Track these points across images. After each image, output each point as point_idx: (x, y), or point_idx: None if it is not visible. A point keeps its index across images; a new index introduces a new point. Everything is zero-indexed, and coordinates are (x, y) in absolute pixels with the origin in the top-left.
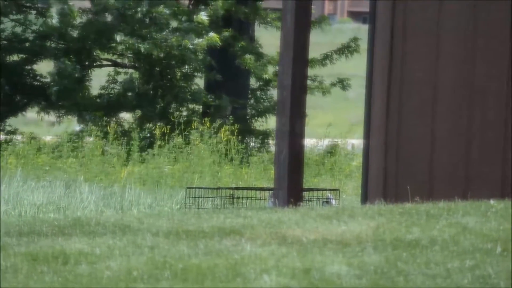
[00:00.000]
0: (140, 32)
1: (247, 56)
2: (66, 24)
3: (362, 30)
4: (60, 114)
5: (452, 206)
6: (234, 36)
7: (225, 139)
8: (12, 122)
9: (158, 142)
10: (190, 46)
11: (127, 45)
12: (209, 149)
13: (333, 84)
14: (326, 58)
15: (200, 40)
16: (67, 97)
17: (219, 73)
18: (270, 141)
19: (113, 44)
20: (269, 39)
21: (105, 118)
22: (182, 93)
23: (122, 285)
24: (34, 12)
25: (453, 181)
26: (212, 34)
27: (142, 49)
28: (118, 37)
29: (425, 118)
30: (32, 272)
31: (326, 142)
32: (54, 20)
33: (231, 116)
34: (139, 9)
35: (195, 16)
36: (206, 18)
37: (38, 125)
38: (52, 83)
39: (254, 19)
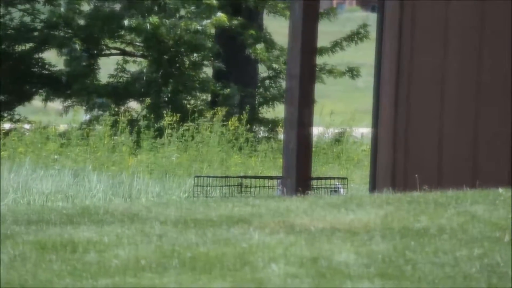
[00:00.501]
0: (148, 19)
1: (258, 46)
2: (72, 11)
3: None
4: (68, 103)
5: (461, 195)
6: (243, 24)
7: (233, 128)
8: (20, 110)
9: (167, 131)
10: (199, 27)
11: (135, 29)
12: (217, 138)
13: (342, 73)
14: (335, 46)
15: (209, 21)
16: (75, 81)
17: (227, 62)
18: (279, 130)
19: (122, 32)
20: (277, 28)
21: (113, 106)
22: (190, 82)
23: (130, 273)
24: (42, 0)
25: (461, 170)
26: (220, 14)
27: (147, 31)
28: (126, 22)
29: (433, 108)
30: (41, 260)
31: (334, 130)
32: (62, 8)
33: (242, 105)
34: None
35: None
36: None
37: (46, 113)
38: (64, 67)
39: (263, 7)
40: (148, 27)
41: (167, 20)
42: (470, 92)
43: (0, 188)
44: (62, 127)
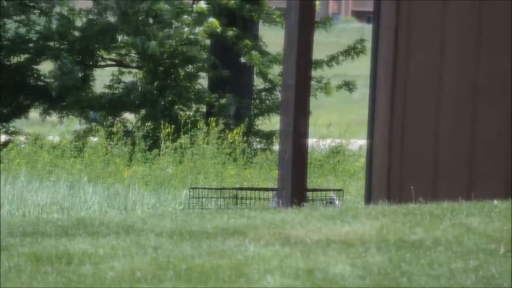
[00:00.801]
0: (143, 31)
1: (253, 52)
2: (65, 26)
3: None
4: (62, 114)
5: (456, 207)
6: (238, 35)
7: (229, 139)
8: (15, 123)
9: (163, 142)
10: (191, 36)
11: (129, 44)
12: (213, 150)
13: (338, 87)
14: (332, 60)
15: (201, 28)
16: (68, 94)
17: (223, 72)
18: (274, 141)
19: (116, 44)
20: (273, 38)
21: (109, 118)
22: (186, 93)
23: (125, 285)
24: (37, 12)
25: (456, 181)
26: (211, 20)
27: (143, 49)
28: (120, 37)
29: (429, 118)
30: (36, 272)
31: (329, 142)
32: (54, 24)
33: (237, 116)
34: (140, 6)
35: (194, 6)
36: (206, 6)
37: (42, 125)
38: (53, 80)
39: (258, 17)
40: (140, 45)
41: (160, 32)
42: (467, 96)
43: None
44: (57, 139)
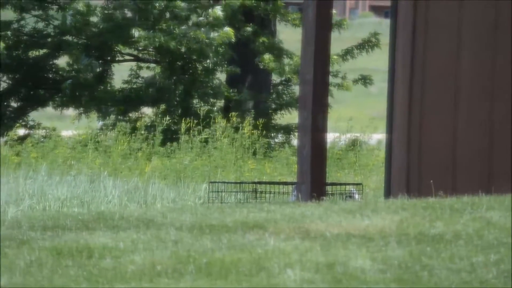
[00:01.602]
0: (159, 27)
1: (266, 56)
2: (80, 22)
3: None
4: (79, 110)
5: (476, 200)
6: (255, 31)
7: (247, 133)
8: (34, 116)
9: (182, 137)
10: (206, 40)
11: (145, 40)
12: (232, 144)
13: (355, 81)
14: (347, 54)
15: (216, 34)
16: (82, 91)
17: (241, 68)
18: (293, 136)
19: (133, 39)
20: (290, 34)
21: (129, 114)
22: (203, 88)
23: (146, 279)
24: (55, 7)
25: (476, 175)
26: (227, 29)
27: (158, 43)
28: (136, 33)
29: (448, 112)
30: (57, 266)
31: (348, 136)
32: (68, 20)
33: (253, 111)
34: (157, 4)
35: (210, 11)
36: (221, 13)
37: (60, 119)
38: (66, 77)
39: (274, 17)
40: (157, 40)
41: (177, 29)
42: (484, 94)
43: None
44: (77, 133)
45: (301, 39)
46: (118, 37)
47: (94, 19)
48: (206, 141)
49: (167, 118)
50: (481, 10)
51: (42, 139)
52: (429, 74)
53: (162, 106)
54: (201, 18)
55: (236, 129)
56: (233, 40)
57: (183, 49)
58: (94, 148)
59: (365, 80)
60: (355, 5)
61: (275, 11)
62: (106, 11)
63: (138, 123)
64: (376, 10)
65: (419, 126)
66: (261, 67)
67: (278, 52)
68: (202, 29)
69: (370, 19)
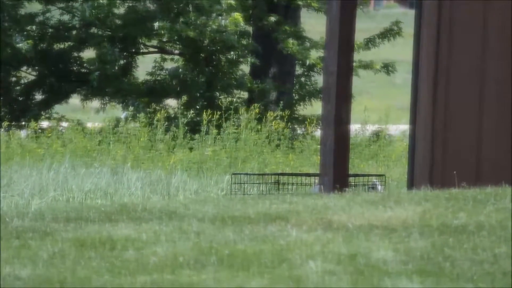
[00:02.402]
0: (182, 19)
1: (290, 40)
2: (103, 14)
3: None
4: (104, 101)
5: (499, 191)
6: (278, 21)
7: (275, 126)
8: (58, 109)
9: (204, 129)
10: (214, 27)
11: (166, 31)
12: (255, 135)
13: (378, 70)
14: (369, 43)
15: (227, 20)
16: (108, 83)
17: (265, 59)
18: (316, 127)
19: (155, 31)
20: (315, 24)
21: (153, 105)
22: (227, 79)
23: (168, 270)
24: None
25: (500, 166)
26: (234, 14)
27: (178, 35)
28: (157, 24)
29: (472, 103)
30: (80, 257)
31: (371, 127)
32: (87, 12)
33: (279, 102)
34: None
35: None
36: (234, 1)
37: (84, 111)
38: (93, 69)
39: (297, 5)
40: (179, 30)
41: (197, 20)
42: (509, 87)
43: None
44: (100, 125)
45: (325, 30)
46: (141, 30)
47: (118, 11)
48: (228, 132)
49: (191, 110)
50: (506, 7)
51: (65, 131)
52: (455, 66)
53: (184, 98)
54: (218, 7)
55: (259, 120)
56: (242, 24)
57: (206, 41)
58: (116, 140)
59: (387, 68)
60: None
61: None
62: (128, 3)
63: (158, 115)
64: (401, 0)
65: (444, 117)
66: (285, 52)
67: (302, 39)
68: (220, 17)
69: (395, 10)
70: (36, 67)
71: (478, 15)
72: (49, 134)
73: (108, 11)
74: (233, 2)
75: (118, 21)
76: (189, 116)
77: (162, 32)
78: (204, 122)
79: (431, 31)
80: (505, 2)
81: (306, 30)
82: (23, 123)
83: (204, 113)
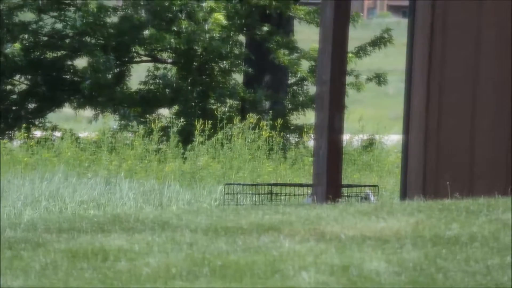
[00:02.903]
0: (174, 27)
1: (281, 50)
2: (92, 23)
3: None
4: (97, 111)
5: (492, 202)
6: (270, 31)
7: (265, 135)
8: (51, 118)
9: (197, 138)
10: (205, 36)
11: (156, 40)
12: (247, 145)
13: (369, 79)
14: (360, 51)
15: (209, 24)
16: (100, 92)
17: (258, 68)
18: (307, 137)
19: (147, 40)
20: (309, 33)
21: (146, 116)
22: (220, 88)
23: (161, 281)
24: (73, 8)
25: (493, 177)
26: (214, 15)
27: (168, 44)
28: (147, 33)
29: (465, 114)
30: (72, 268)
31: (364, 137)
32: (78, 22)
33: (270, 111)
34: (167, 3)
35: (203, 4)
36: (214, 3)
37: (77, 121)
38: (86, 77)
39: (286, 14)
40: (166, 41)
41: (189, 28)
42: (503, 96)
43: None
44: (92, 135)
45: (319, 39)
46: (134, 39)
47: (109, 19)
48: (221, 142)
49: (182, 119)
50: (500, 11)
51: (58, 141)
52: (447, 75)
53: (175, 107)
54: (201, 14)
55: (253, 130)
56: (225, 22)
57: (199, 50)
58: (109, 149)
59: (379, 78)
60: (373, 5)
61: (286, 8)
62: (118, 12)
63: (153, 125)
64: (394, 10)
65: (437, 127)
66: (276, 63)
67: (293, 50)
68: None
69: (388, 19)
70: (29, 76)
71: (472, 16)
72: (39, 144)
73: (99, 20)
74: (213, 4)
75: (111, 30)
76: (180, 124)
77: (152, 42)
78: (197, 131)
79: (425, 33)
80: (499, 2)
81: (300, 39)
82: (14, 132)
83: (196, 122)
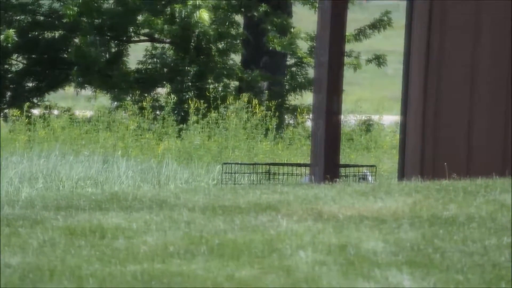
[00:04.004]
0: (165, 12)
1: (273, 34)
2: (85, 7)
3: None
4: (94, 91)
5: (490, 183)
6: (267, 11)
7: (260, 114)
8: (51, 97)
9: (194, 118)
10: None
11: (149, 24)
12: (244, 125)
13: (369, 61)
14: (359, 33)
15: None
16: (92, 74)
17: (256, 49)
18: (306, 117)
19: (140, 25)
20: (308, 14)
21: (144, 94)
22: (217, 68)
23: (158, 259)
24: None
25: (491, 158)
26: (200, 11)
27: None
28: (140, 18)
29: (463, 95)
30: (70, 246)
31: (362, 117)
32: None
33: (267, 92)
34: None
35: None
36: None
37: (76, 100)
38: (76, 61)
39: None
40: (161, 24)
41: (183, 11)
42: (500, 78)
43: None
44: (91, 113)
45: (317, 21)
46: (130, 21)
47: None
48: (217, 122)
49: (179, 98)
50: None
51: (56, 119)
52: (446, 57)
53: (173, 87)
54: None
55: (247, 110)
56: (208, 20)
57: (197, 31)
58: (106, 128)
59: (378, 60)
60: None
61: None
62: None
63: (144, 103)
64: None
65: (434, 108)
66: (269, 47)
67: (286, 31)
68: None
69: (387, 1)
70: (26, 56)
71: (470, 3)
72: (44, 123)
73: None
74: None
75: (105, 14)
76: (171, 101)
77: (145, 26)
78: (192, 110)
79: (423, 19)
80: None
81: (299, 20)
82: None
83: (190, 101)
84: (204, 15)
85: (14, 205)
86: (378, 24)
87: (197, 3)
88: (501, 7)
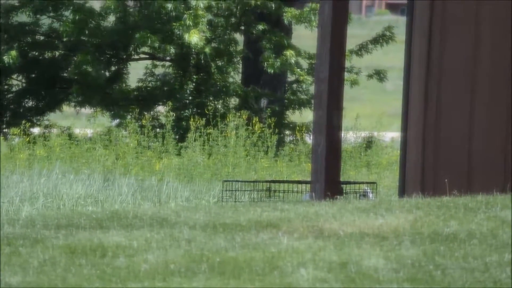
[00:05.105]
0: (161, 28)
1: (266, 54)
2: (82, 25)
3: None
4: (95, 110)
5: (491, 200)
6: (264, 30)
7: (259, 131)
8: (51, 116)
9: (193, 135)
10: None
11: (144, 42)
12: (244, 142)
13: (369, 76)
14: (361, 49)
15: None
16: (91, 93)
17: (257, 66)
18: (306, 134)
19: (136, 42)
20: (309, 33)
21: (144, 113)
22: (217, 86)
23: (159, 278)
24: (70, 8)
25: (491, 174)
26: (191, 31)
27: (157, 46)
28: (137, 35)
29: (464, 110)
30: (70, 265)
31: (362, 134)
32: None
33: (268, 109)
34: (156, 3)
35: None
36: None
37: (77, 118)
38: (77, 80)
39: (278, 14)
40: (157, 41)
41: (180, 29)
42: (501, 93)
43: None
44: (92, 132)
45: (317, 37)
46: (129, 40)
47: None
48: (217, 139)
49: (175, 115)
50: (499, 7)
51: (56, 138)
52: (446, 72)
53: (169, 104)
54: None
55: (246, 127)
56: (199, 43)
57: (196, 49)
58: (106, 146)
59: (379, 75)
60: (371, 3)
61: (278, 9)
62: (105, 14)
63: (144, 121)
64: (393, 7)
65: (435, 124)
66: (264, 66)
67: (282, 49)
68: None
69: (387, 17)
70: (26, 74)
71: (470, 12)
72: (44, 142)
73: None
74: (189, 22)
75: (104, 31)
76: (171, 119)
77: (141, 44)
78: (192, 128)
79: (423, 30)
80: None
81: (298, 37)
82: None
83: (191, 119)
84: (194, 38)
85: (14, 224)
86: (381, 39)
87: (188, 23)
88: (501, 20)
